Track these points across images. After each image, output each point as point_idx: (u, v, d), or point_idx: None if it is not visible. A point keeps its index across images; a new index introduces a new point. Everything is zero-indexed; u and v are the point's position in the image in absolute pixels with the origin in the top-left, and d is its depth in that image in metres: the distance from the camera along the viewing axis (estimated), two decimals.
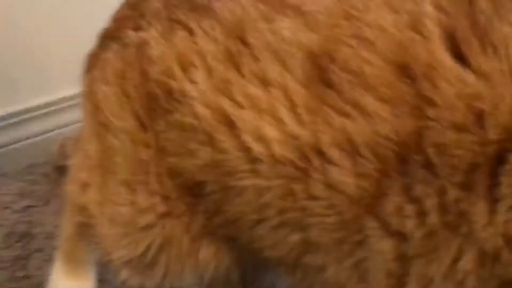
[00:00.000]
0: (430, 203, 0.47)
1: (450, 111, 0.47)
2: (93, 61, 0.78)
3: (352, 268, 0.53)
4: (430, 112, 0.48)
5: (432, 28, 0.50)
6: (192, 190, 0.65)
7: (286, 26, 0.53)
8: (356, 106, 0.49)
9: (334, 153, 0.50)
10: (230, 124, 0.56)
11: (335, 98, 0.51)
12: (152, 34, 0.66)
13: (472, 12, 0.49)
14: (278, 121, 0.53)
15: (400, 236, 0.49)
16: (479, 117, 0.46)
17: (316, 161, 0.52)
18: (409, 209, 0.48)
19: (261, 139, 0.53)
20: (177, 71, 0.61)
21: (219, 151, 0.57)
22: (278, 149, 0.53)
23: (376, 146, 0.49)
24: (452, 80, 0.48)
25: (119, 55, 0.70)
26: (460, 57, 0.49)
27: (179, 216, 0.68)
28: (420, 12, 0.51)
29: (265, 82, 0.54)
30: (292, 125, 0.52)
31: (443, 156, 0.47)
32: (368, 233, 0.50)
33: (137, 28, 0.70)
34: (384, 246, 0.50)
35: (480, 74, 0.47)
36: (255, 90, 0.54)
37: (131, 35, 0.70)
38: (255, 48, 0.55)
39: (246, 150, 0.55)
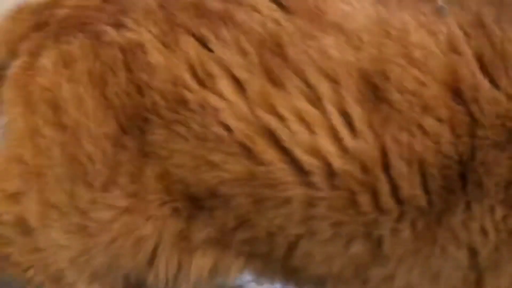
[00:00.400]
0: (487, 221, 0.52)
1: (492, 130, 0.52)
2: (20, 42, 0.69)
3: (423, 274, 0.57)
4: (480, 132, 0.52)
5: (466, 50, 0.54)
6: (197, 201, 0.62)
7: (331, 44, 0.54)
8: (419, 126, 0.52)
9: (403, 168, 0.52)
10: (272, 136, 0.55)
11: (397, 116, 0.53)
12: (146, 37, 0.61)
13: (489, 35, 0.54)
14: (334, 135, 0.54)
15: (471, 249, 0.53)
16: (510, 134, 0.52)
17: (382, 175, 0.53)
18: (473, 226, 0.52)
19: (314, 151, 0.54)
20: (191, 81, 0.58)
21: (259, 163, 0.56)
22: (336, 162, 0.54)
23: (441, 165, 0.52)
24: (491, 101, 0.53)
25: (92, 52, 0.64)
26: (490, 78, 0.54)
27: (150, 217, 0.65)
28: (453, 34, 0.54)
29: (315, 98, 0.54)
30: (351, 139, 0.53)
31: (489, 175, 0.52)
32: (442, 243, 0.54)
33: (118, 25, 0.63)
34: (459, 255, 0.54)
35: (509, 95, 0.53)
36: (304, 105, 0.54)
37: (111, 33, 0.63)
38: (298, 64, 0.55)
39: (294, 162, 0.55)
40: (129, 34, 0.62)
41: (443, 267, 0.55)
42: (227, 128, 0.57)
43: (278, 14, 0.56)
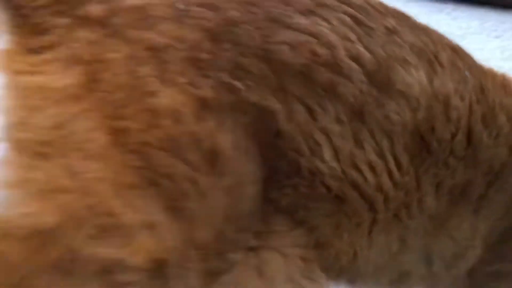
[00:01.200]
0: None
1: None
2: None
3: None
4: None
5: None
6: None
7: (393, 109, 0.62)
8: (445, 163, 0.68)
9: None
10: (356, 187, 0.65)
11: (430, 159, 0.66)
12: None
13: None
14: (390, 175, 0.66)
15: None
16: None
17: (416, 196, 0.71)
18: None
19: (379, 188, 0.66)
20: (306, 148, 0.62)
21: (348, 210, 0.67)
22: (390, 193, 0.67)
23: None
24: None
25: None
26: None
27: None
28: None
29: (380, 151, 0.64)
30: (399, 177, 0.65)
31: None
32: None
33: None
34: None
35: None
36: (374, 157, 0.64)
37: None
38: (370, 126, 0.63)
39: (370, 202, 0.67)
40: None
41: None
42: (328, 189, 0.64)
43: (365, 86, 0.61)
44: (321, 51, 0.55)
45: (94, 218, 0.45)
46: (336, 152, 0.63)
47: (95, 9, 0.50)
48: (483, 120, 0.67)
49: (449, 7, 2.87)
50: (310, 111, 0.61)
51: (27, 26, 0.48)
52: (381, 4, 0.62)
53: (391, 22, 0.61)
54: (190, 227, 0.49)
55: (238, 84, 0.52)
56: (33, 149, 0.45)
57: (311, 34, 0.55)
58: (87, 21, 0.49)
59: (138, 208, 0.47)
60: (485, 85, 0.68)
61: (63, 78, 0.47)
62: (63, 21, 0.49)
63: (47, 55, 0.48)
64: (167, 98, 0.48)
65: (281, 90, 0.59)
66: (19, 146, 0.45)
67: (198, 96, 0.49)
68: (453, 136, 0.66)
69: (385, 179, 0.64)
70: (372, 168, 0.64)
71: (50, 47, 0.48)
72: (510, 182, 0.72)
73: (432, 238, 0.74)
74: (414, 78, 0.62)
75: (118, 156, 0.46)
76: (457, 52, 0.67)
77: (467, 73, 0.66)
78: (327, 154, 0.62)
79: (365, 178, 0.64)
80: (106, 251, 0.46)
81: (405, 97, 0.62)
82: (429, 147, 0.65)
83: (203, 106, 0.49)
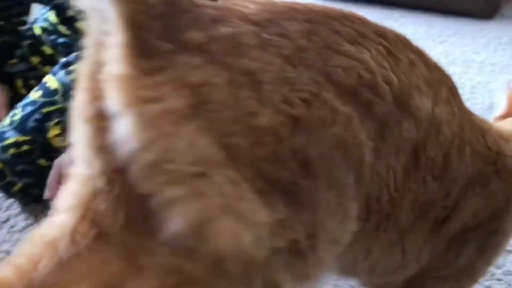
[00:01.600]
0: None
1: None
2: None
3: None
4: None
5: None
6: None
7: (406, 127, 0.70)
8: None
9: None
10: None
11: (416, 173, 0.73)
12: None
13: None
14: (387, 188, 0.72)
15: None
16: None
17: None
18: None
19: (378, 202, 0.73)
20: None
21: None
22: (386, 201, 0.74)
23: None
24: None
25: None
26: None
27: None
28: None
29: (387, 168, 0.70)
30: (393, 191, 0.72)
31: None
32: None
33: None
34: None
35: None
36: (383, 173, 0.70)
37: None
38: (388, 145, 0.69)
39: (367, 211, 0.73)
40: None
41: None
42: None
43: (391, 106, 0.67)
44: (365, 74, 0.63)
45: None
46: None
47: (195, 36, 0.55)
48: (458, 148, 0.76)
49: (397, 14, 3.02)
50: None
51: (140, 49, 0.53)
52: (406, 39, 0.71)
53: (412, 56, 0.70)
54: (310, 214, 0.60)
55: (322, 97, 0.59)
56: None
57: (358, 60, 0.63)
58: (188, 47, 0.55)
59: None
60: (464, 123, 0.78)
61: (176, 100, 0.52)
62: (168, 46, 0.54)
63: (159, 78, 0.53)
64: (267, 117, 0.55)
65: None
66: None
67: (292, 114, 0.56)
68: (436, 156, 0.74)
69: (384, 191, 0.71)
70: (379, 181, 0.69)
71: (160, 70, 0.53)
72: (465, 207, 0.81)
73: (388, 251, 0.80)
74: (423, 104, 0.71)
75: (234, 168, 0.53)
76: (452, 91, 0.77)
77: (456, 109, 0.76)
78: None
79: (373, 189, 0.70)
80: None
81: (415, 118, 0.70)
82: (418, 163, 0.72)
83: (296, 123, 0.56)
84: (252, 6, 0.61)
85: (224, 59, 0.56)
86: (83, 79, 0.59)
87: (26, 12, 1.59)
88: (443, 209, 0.80)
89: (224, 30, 0.57)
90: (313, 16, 0.63)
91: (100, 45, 0.56)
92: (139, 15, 0.53)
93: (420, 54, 0.73)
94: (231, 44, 0.57)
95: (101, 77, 0.54)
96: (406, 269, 0.85)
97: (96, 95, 0.56)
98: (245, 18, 0.59)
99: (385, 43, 0.67)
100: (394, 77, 0.67)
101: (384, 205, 0.72)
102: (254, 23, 0.59)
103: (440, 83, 0.75)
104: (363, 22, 0.67)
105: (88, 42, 0.59)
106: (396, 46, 0.69)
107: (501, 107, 1.03)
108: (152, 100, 0.52)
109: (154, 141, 0.51)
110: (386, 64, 0.66)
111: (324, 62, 0.61)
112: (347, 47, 0.63)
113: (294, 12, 0.62)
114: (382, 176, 0.69)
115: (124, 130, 0.51)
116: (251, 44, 0.57)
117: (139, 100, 0.52)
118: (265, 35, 0.58)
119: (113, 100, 0.52)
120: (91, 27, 0.58)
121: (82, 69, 0.59)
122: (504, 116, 1.01)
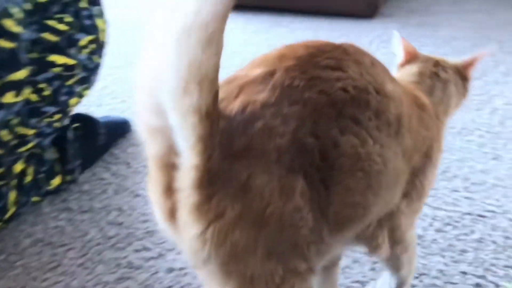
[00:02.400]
0: None
1: None
2: None
3: None
4: None
5: None
6: None
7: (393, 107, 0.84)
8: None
9: None
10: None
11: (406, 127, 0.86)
12: None
13: None
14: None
15: None
16: None
17: None
18: None
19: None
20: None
21: None
22: None
23: None
24: None
25: None
26: None
27: None
28: None
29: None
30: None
31: None
32: None
33: None
34: None
35: None
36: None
37: None
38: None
39: None
40: None
41: None
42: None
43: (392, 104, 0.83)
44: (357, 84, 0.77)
45: None
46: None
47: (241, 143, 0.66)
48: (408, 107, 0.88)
49: (287, 20, 3.14)
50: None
51: (208, 174, 0.64)
52: (358, 47, 0.83)
53: (367, 59, 0.82)
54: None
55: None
56: None
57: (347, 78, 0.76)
58: (237, 156, 0.66)
59: None
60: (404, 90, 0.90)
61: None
62: (226, 164, 0.66)
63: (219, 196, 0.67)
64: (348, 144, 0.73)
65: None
66: None
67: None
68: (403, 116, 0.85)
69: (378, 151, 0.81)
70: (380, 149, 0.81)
71: (219, 191, 0.65)
72: None
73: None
74: (392, 88, 0.84)
75: None
76: (389, 72, 0.89)
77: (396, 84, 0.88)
78: None
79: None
80: None
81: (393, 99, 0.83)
82: (400, 129, 0.83)
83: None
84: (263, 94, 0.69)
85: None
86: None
87: None
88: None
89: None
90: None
91: (167, 166, 0.66)
92: (211, 139, 0.61)
93: (368, 55, 0.83)
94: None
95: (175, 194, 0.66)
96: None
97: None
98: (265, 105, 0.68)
99: (354, 57, 0.79)
100: (371, 77, 0.80)
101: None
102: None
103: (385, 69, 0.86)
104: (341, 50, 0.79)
105: (151, 164, 0.69)
106: (358, 54, 0.81)
107: (399, 57, 1.11)
108: (214, 220, 0.65)
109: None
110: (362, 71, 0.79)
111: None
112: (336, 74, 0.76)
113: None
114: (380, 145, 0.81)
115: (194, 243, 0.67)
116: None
117: (205, 220, 0.65)
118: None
119: (184, 216, 0.66)
120: (152, 148, 0.67)
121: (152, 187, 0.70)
122: (402, 64, 1.10)
